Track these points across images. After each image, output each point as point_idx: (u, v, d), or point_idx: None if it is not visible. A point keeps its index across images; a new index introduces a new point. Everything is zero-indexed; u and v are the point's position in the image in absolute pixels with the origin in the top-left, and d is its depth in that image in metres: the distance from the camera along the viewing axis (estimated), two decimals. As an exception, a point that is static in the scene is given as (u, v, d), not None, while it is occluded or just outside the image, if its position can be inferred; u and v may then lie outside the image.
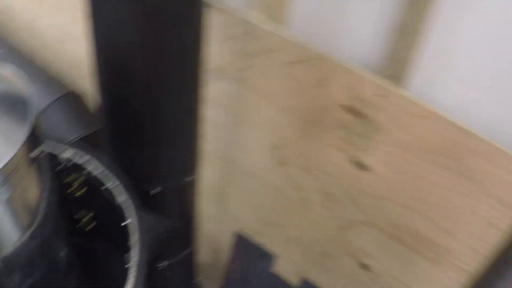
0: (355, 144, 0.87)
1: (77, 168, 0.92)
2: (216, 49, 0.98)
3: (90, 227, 1.04)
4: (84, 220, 1.02)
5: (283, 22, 0.90)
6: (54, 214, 0.76)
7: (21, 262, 0.69)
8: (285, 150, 1.00)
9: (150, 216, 0.95)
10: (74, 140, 1.08)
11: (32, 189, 0.68)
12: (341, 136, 0.89)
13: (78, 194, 0.97)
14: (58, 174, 0.94)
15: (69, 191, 0.97)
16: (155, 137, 0.86)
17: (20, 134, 0.60)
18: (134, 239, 0.79)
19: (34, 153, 0.64)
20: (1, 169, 0.57)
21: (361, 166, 0.88)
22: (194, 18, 0.73)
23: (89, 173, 0.90)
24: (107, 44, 0.75)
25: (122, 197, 0.85)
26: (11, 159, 0.58)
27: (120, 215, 0.85)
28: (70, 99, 1.12)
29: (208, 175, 1.20)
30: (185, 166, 0.94)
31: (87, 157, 0.91)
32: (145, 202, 0.94)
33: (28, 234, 0.68)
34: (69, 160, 0.92)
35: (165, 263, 1.06)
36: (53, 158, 0.92)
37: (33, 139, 0.63)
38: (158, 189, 0.92)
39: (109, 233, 0.93)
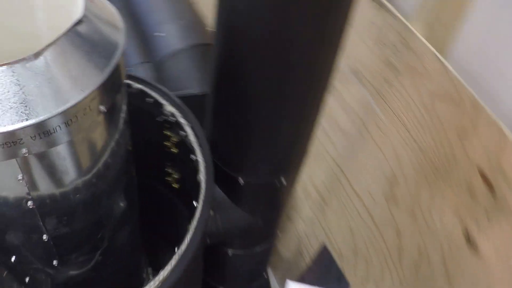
0: (475, 217, 0.72)
1: (177, 126, 0.87)
2: (364, 48, 0.86)
3: (175, 186, 1.00)
4: (171, 177, 0.99)
5: (444, 48, 0.76)
6: (117, 169, 0.71)
7: (60, 209, 0.65)
8: (399, 187, 0.87)
9: (229, 204, 0.88)
10: (187, 95, 1.03)
11: (96, 140, 0.63)
12: (465, 200, 0.74)
13: (172, 150, 0.93)
14: (161, 123, 0.90)
15: (166, 143, 0.94)
16: (263, 122, 0.76)
17: (94, 81, 0.54)
18: (192, 225, 0.72)
19: (104, 106, 0.58)
20: (61, 112, 0.52)
21: (470, 242, 0.73)
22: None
23: (185, 137, 0.85)
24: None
25: (200, 176, 0.79)
26: (73, 105, 0.53)
27: (197, 192, 0.79)
28: (203, 51, 1.07)
29: (317, 175, 1.10)
30: (286, 165, 0.84)
31: (186, 119, 0.85)
32: (230, 188, 0.87)
33: (76, 183, 0.63)
34: (172, 114, 0.87)
35: (235, 251, 1.00)
36: (158, 106, 0.88)
37: (108, 89, 0.57)
38: (247, 180, 0.84)
39: (187, 203, 0.87)
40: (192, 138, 0.83)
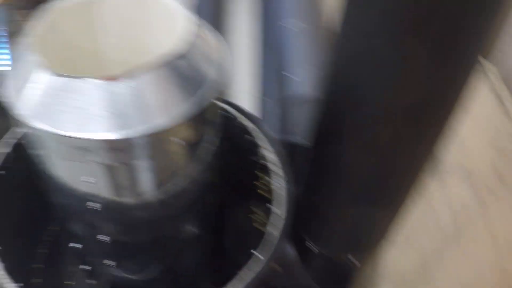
0: None
1: (269, 172, 0.86)
2: (478, 147, 0.81)
3: (257, 226, 0.99)
4: (254, 216, 0.98)
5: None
6: (189, 197, 0.72)
7: (119, 219, 0.68)
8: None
9: (297, 264, 0.86)
10: (295, 143, 1.02)
11: (169, 166, 0.64)
12: None
13: (260, 192, 0.93)
14: (255, 162, 0.90)
15: (256, 182, 0.94)
16: (342, 198, 0.74)
17: (175, 114, 0.56)
18: (242, 273, 0.71)
19: (181, 139, 0.59)
20: (136, 135, 0.54)
21: None
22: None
23: (273, 185, 0.85)
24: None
25: (272, 230, 0.77)
26: (150, 132, 0.55)
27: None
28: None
29: (403, 261, 1.04)
30: (360, 245, 0.80)
31: (281, 169, 0.85)
32: (301, 250, 0.85)
33: (139, 200, 0.65)
34: (268, 159, 0.87)
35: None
36: (256, 146, 0.88)
37: (189, 124, 0.58)
38: (318, 249, 0.81)
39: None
40: (279, 191, 0.82)
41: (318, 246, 0.80)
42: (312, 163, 0.77)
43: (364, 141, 0.64)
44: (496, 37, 0.52)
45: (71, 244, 0.79)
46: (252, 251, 0.75)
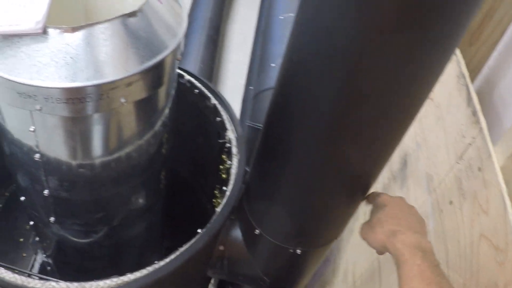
0: None
1: (230, 153, 0.86)
2: (444, 158, 0.79)
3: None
4: (216, 200, 0.97)
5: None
6: (133, 164, 0.71)
7: (62, 174, 0.67)
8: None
9: (243, 251, 0.85)
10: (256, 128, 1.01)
11: (113, 129, 0.64)
12: None
13: (223, 175, 0.92)
14: (222, 145, 0.89)
15: (220, 166, 0.93)
16: (288, 188, 0.71)
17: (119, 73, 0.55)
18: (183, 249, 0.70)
19: (126, 98, 0.58)
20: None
21: None
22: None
23: (230, 166, 0.84)
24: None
25: (218, 208, 0.76)
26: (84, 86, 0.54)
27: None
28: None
29: (360, 263, 1.04)
30: (302, 234, 0.78)
31: (238, 149, 0.84)
32: (248, 236, 0.83)
33: (80, 159, 0.65)
34: (230, 142, 0.87)
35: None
36: (224, 129, 0.87)
37: (135, 86, 0.57)
38: (263, 233, 0.79)
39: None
40: (234, 170, 0.81)
41: (264, 231, 0.78)
42: (261, 147, 0.74)
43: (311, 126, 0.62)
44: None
45: (22, 199, 0.78)
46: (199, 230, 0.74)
